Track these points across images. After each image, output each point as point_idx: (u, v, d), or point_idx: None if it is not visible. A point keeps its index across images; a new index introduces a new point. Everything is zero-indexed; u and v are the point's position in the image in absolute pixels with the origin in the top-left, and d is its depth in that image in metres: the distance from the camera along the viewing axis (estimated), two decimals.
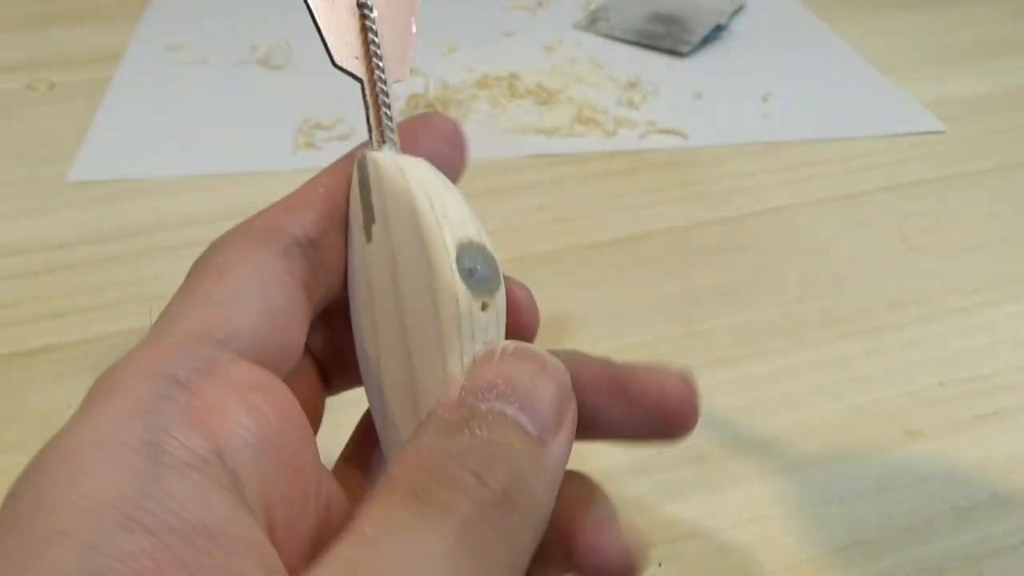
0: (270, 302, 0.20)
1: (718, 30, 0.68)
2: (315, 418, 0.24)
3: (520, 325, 0.24)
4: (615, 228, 0.48)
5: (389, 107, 0.24)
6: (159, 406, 0.17)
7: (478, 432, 0.19)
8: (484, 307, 0.21)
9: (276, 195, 0.22)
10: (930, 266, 0.46)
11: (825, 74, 0.65)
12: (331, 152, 0.55)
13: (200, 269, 0.21)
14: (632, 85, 0.62)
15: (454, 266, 0.21)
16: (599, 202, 0.50)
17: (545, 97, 0.60)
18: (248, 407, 0.18)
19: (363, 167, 0.23)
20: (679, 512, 0.33)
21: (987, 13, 0.73)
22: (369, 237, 0.22)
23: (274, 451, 0.18)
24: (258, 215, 0.22)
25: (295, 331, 0.21)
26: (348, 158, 0.24)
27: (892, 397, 0.39)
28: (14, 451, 0.35)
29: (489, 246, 0.22)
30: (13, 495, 0.16)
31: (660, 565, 0.32)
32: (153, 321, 0.20)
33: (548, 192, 0.51)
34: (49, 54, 0.65)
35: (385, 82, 0.24)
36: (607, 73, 0.64)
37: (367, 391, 0.24)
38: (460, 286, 0.21)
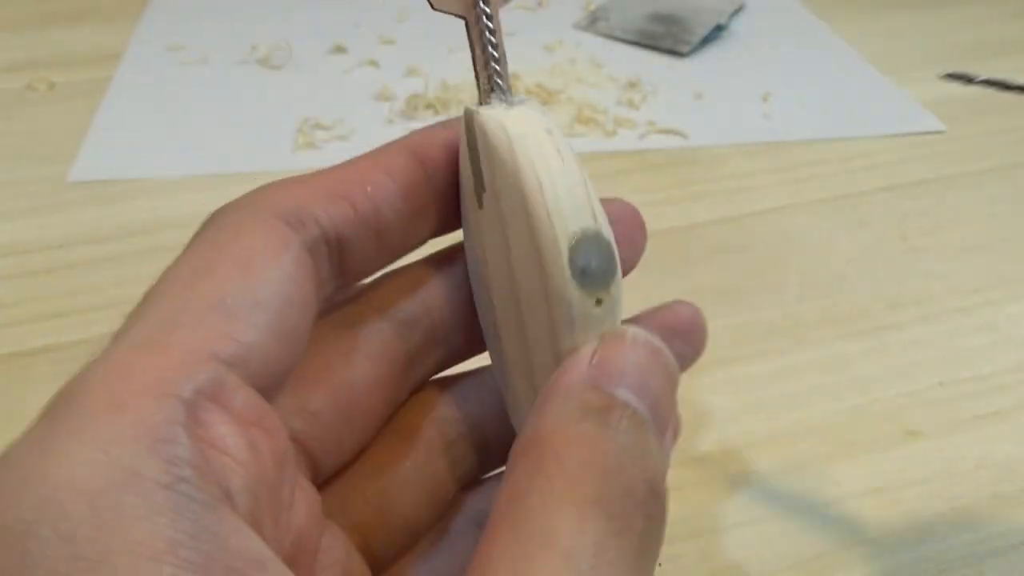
0: (286, 320, 0.18)
1: (718, 30, 0.68)
2: (395, 396, 0.23)
3: (630, 242, 0.23)
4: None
5: (496, 47, 0.21)
6: (173, 434, 0.15)
7: (625, 429, 0.18)
8: (599, 302, 0.20)
9: None
10: (930, 266, 0.46)
11: (825, 74, 0.65)
12: (331, 152, 0.55)
13: (219, 246, 0.19)
14: (632, 85, 0.62)
15: (566, 270, 0.19)
16: None
17: (545, 97, 0.60)
18: (249, 446, 0.17)
19: (470, 125, 0.20)
20: (679, 512, 0.33)
21: (987, 13, 0.73)
22: (480, 203, 0.21)
23: (262, 498, 0.17)
24: (289, 185, 0.20)
25: (299, 351, 0.19)
26: (415, 134, 0.21)
27: (892, 397, 0.39)
28: None
29: (604, 228, 0.20)
30: (27, 534, 0.14)
31: (660, 565, 0.32)
32: (147, 292, 0.18)
33: None
34: (49, 54, 0.65)
35: (491, 17, 0.21)
36: (607, 73, 0.64)
37: (488, 344, 0.23)
38: (572, 288, 0.19)
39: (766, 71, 0.64)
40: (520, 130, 0.20)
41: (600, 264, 0.20)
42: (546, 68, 0.64)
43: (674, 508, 0.34)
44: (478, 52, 0.21)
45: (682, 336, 0.23)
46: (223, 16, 0.71)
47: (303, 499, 0.19)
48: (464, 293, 0.23)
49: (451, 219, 0.22)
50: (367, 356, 0.22)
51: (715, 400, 0.38)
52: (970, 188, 0.53)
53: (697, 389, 0.39)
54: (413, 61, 0.64)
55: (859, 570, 0.32)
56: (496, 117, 0.20)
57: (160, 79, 0.62)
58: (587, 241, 0.20)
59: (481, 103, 0.21)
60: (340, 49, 0.65)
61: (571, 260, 0.19)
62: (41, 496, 0.14)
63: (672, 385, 0.20)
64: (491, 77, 0.21)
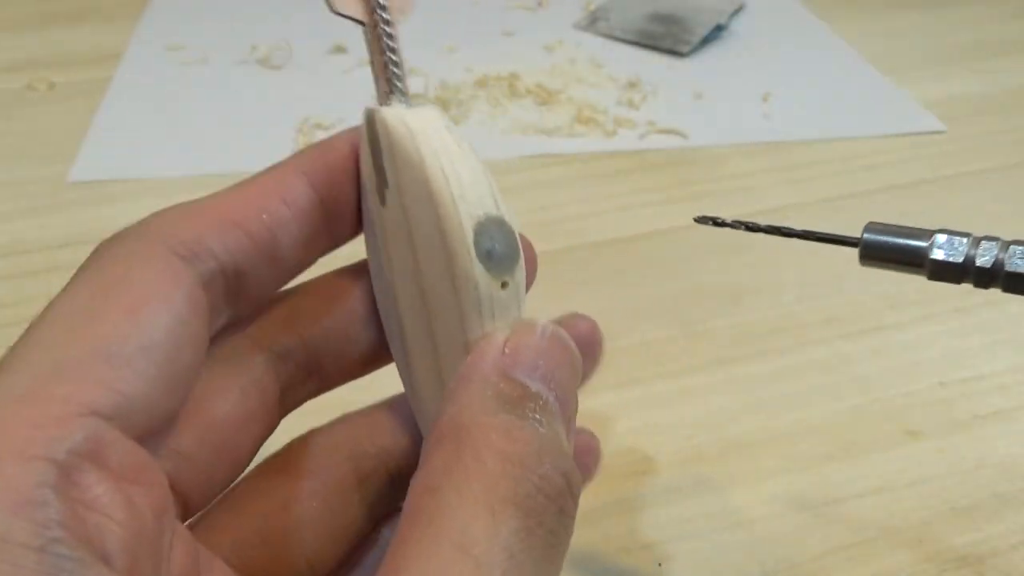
0: (175, 364, 0.18)
1: (718, 30, 0.68)
2: (267, 429, 0.22)
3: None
4: (615, 228, 0.48)
5: (395, 51, 0.22)
6: (42, 496, 0.15)
7: (540, 420, 0.18)
8: (504, 285, 0.20)
9: None
10: None
11: (825, 74, 0.65)
12: None
13: (106, 285, 0.18)
14: (632, 85, 0.62)
15: (472, 251, 0.20)
16: (599, 202, 0.50)
17: (545, 97, 0.60)
18: (126, 503, 0.16)
19: (372, 124, 0.21)
20: (679, 512, 0.33)
21: (987, 13, 0.73)
22: (383, 200, 0.21)
23: (140, 556, 0.17)
24: (183, 213, 0.20)
25: (186, 393, 0.19)
26: (308, 154, 0.22)
27: (892, 397, 0.39)
28: None
29: (507, 216, 0.21)
30: None
31: (660, 565, 0.32)
32: (28, 328, 0.17)
33: (548, 192, 0.51)
34: (49, 54, 0.65)
35: (388, 23, 0.22)
36: (607, 73, 0.64)
37: (391, 345, 0.23)
38: (479, 270, 0.20)
39: (766, 71, 0.64)
40: (421, 125, 0.21)
41: (504, 248, 0.20)
42: (546, 68, 0.64)
43: (674, 508, 0.34)
44: (377, 56, 0.22)
45: (581, 350, 0.23)
46: (223, 16, 0.71)
47: (180, 544, 0.19)
48: (342, 319, 0.23)
49: (346, 234, 0.22)
50: (240, 391, 0.21)
51: (715, 400, 0.38)
52: (970, 188, 0.53)
53: (697, 389, 0.39)
54: (413, 61, 0.64)
55: (859, 570, 0.32)
56: (397, 114, 0.21)
57: (160, 79, 0.62)
58: (491, 225, 0.20)
59: (381, 104, 0.22)
60: (340, 49, 0.65)
61: (476, 243, 0.20)
62: None
63: (577, 379, 0.20)
64: (390, 80, 0.22)
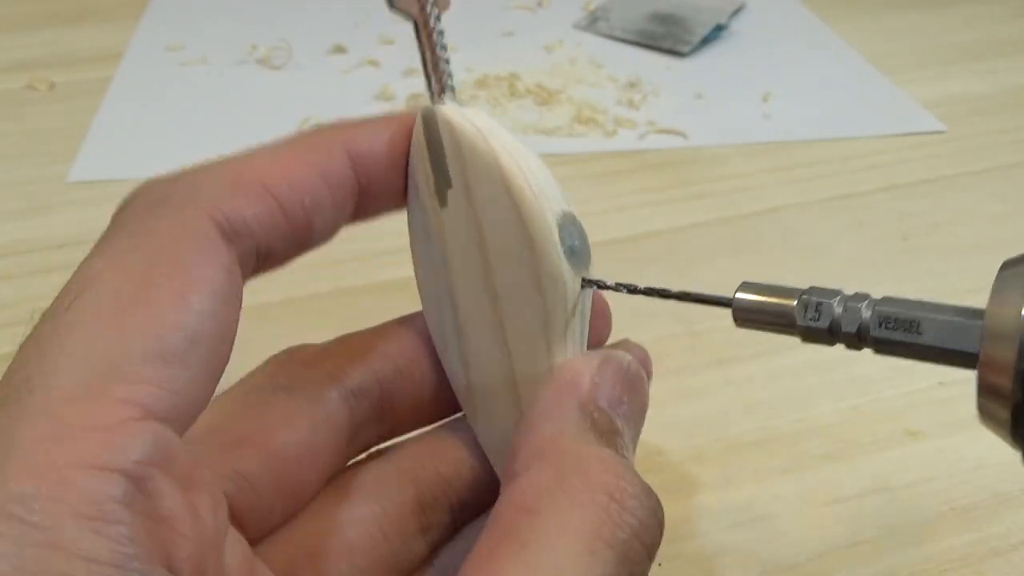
0: (216, 355, 0.17)
1: (718, 30, 0.68)
2: (332, 467, 0.22)
3: (596, 334, 0.23)
4: (615, 228, 0.48)
5: (445, 48, 0.21)
6: (117, 513, 0.14)
7: (627, 458, 0.18)
8: (583, 283, 0.20)
9: None
10: (930, 266, 0.46)
11: (825, 74, 0.65)
12: None
13: (155, 260, 0.17)
14: (632, 85, 0.62)
15: (559, 248, 0.19)
16: (599, 202, 0.50)
17: (545, 97, 0.60)
18: (191, 513, 0.16)
19: (431, 124, 0.21)
20: (679, 512, 0.33)
21: (987, 13, 0.73)
22: (443, 201, 0.20)
23: (204, 565, 0.16)
24: (226, 179, 0.19)
25: (216, 384, 0.18)
26: (354, 133, 0.21)
27: (892, 397, 0.39)
28: None
29: (575, 211, 0.20)
30: None
31: (660, 565, 0.32)
32: (70, 294, 0.16)
33: None
34: (49, 54, 0.65)
35: (439, 19, 0.21)
36: (607, 73, 0.64)
37: (442, 355, 0.22)
38: (565, 267, 0.19)
39: (766, 71, 0.64)
40: (486, 123, 0.20)
41: (581, 244, 0.20)
42: (546, 68, 0.64)
43: (674, 508, 0.34)
44: (429, 54, 0.21)
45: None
46: (223, 16, 0.71)
47: (234, 546, 0.18)
48: (417, 365, 0.23)
49: (362, 216, 0.22)
50: (311, 424, 0.21)
51: (715, 400, 0.38)
52: (970, 188, 0.53)
53: (697, 389, 0.39)
54: (413, 61, 0.63)
55: (859, 570, 0.32)
56: (460, 113, 0.20)
57: (160, 79, 0.62)
58: (569, 222, 0.20)
59: (434, 103, 0.21)
60: (340, 49, 0.65)
61: (561, 239, 0.20)
62: None
63: (644, 417, 0.20)
64: (442, 78, 0.21)
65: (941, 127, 0.58)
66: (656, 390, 0.39)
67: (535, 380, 0.20)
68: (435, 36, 0.21)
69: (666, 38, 0.67)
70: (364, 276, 0.44)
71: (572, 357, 0.20)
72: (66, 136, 0.55)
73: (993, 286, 0.18)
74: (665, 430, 0.37)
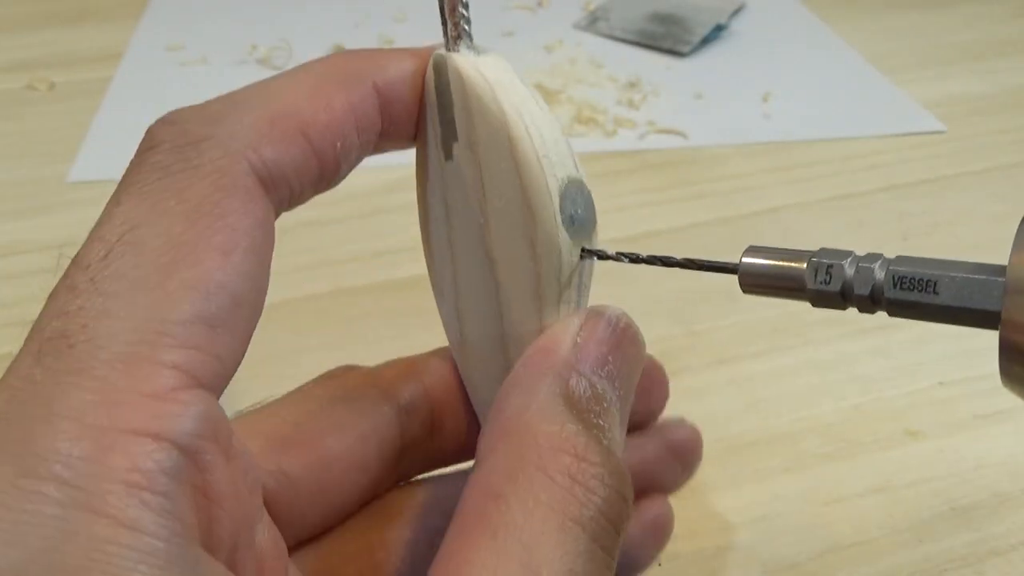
0: (254, 317, 0.17)
1: (718, 30, 0.68)
2: (377, 484, 0.22)
3: (649, 407, 0.24)
4: (615, 228, 0.48)
5: None
6: (164, 486, 0.14)
7: (602, 426, 0.18)
8: (583, 252, 0.19)
9: None
10: None
11: (825, 74, 0.65)
12: None
13: (194, 207, 0.16)
14: (632, 85, 0.62)
15: (558, 217, 0.19)
16: (599, 202, 0.50)
17: (545, 97, 0.60)
18: (233, 488, 0.16)
19: (441, 71, 0.19)
20: (679, 512, 0.33)
21: (987, 13, 0.73)
22: (448, 154, 0.20)
23: (240, 543, 0.16)
24: (267, 118, 0.17)
25: (247, 345, 0.17)
26: (379, 81, 0.19)
27: (892, 397, 0.39)
28: None
29: (584, 176, 0.19)
30: None
31: (660, 565, 0.32)
32: (65, 265, 0.16)
33: None
34: (49, 54, 0.65)
35: None
36: (607, 73, 0.64)
37: (440, 308, 0.22)
38: (563, 236, 0.19)
39: (766, 71, 0.64)
40: (498, 76, 0.19)
41: (584, 212, 0.19)
42: (546, 68, 0.64)
43: (674, 508, 0.34)
44: None
45: (679, 458, 0.24)
46: (223, 16, 0.71)
47: (265, 529, 0.18)
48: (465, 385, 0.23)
49: (379, 149, 0.21)
50: (361, 434, 0.21)
51: (715, 400, 0.38)
52: (970, 188, 0.53)
53: (697, 389, 0.39)
54: None
55: (859, 570, 0.32)
56: (472, 63, 0.19)
57: (160, 79, 0.62)
58: (573, 188, 0.19)
59: (449, 49, 0.20)
60: (340, 49, 0.65)
61: (562, 207, 0.19)
62: (43, 553, 0.13)
63: (639, 374, 0.20)
64: (458, 23, 0.20)
65: (941, 127, 0.58)
66: None
67: (524, 345, 0.19)
68: None
69: (666, 38, 0.67)
70: (364, 276, 0.44)
71: None
72: (66, 136, 0.56)
73: (1015, 241, 0.17)
74: None
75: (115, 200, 0.16)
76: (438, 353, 0.24)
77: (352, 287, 0.43)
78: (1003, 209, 0.51)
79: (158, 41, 0.67)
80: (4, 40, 0.67)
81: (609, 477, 0.17)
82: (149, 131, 0.17)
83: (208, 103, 0.18)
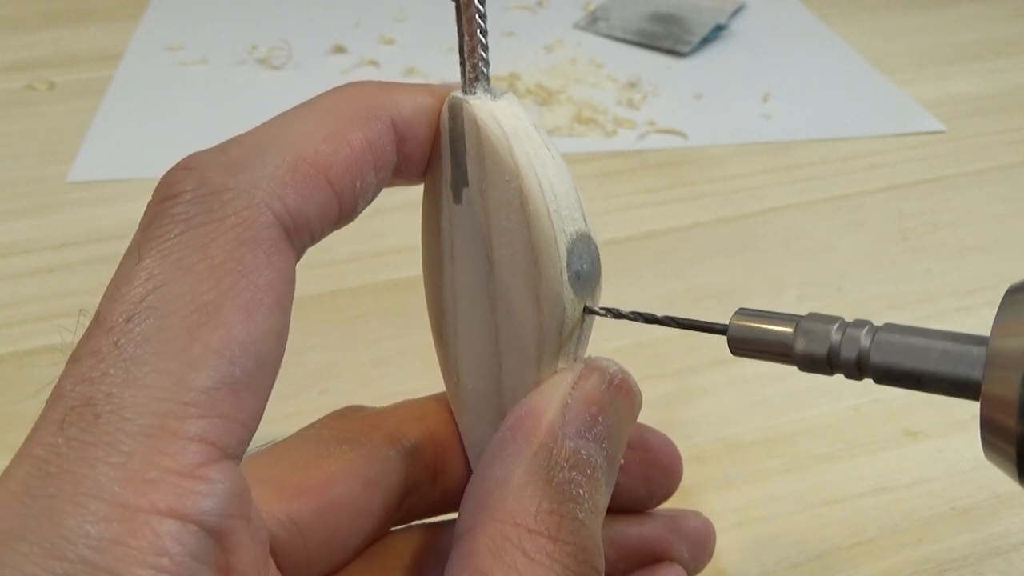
0: (274, 374, 0.16)
1: (718, 30, 0.68)
2: (382, 527, 0.22)
3: (661, 487, 0.24)
4: (615, 228, 0.48)
5: (485, 34, 0.20)
6: (190, 569, 0.14)
7: (583, 496, 0.18)
8: (585, 308, 0.19)
9: None
10: (930, 266, 0.46)
11: (825, 74, 0.65)
12: None
13: (217, 263, 0.15)
14: (632, 85, 0.62)
15: (564, 273, 0.19)
16: (599, 202, 0.50)
17: (545, 97, 0.60)
18: (254, 556, 0.16)
19: (457, 115, 0.19)
20: None
21: (987, 13, 0.73)
22: (457, 197, 0.20)
23: None
24: (290, 164, 0.17)
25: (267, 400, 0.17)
26: (397, 120, 0.19)
27: (892, 397, 0.39)
28: (14, 451, 0.35)
29: (592, 230, 0.19)
30: None
31: None
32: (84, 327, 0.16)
33: None
34: (49, 54, 0.65)
35: (483, 3, 0.20)
36: (607, 73, 0.64)
37: (437, 345, 0.22)
38: (568, 292, 0.19)
39: (766, 71, 0.64)
40: (513, 125, 0.19)
41: (590, 268, 0.19)
42: (546, 68, 0.64)
43: (674, 508, 0.34)
44: (467, 38, 0.20)
45: (690, 549, 0.24)
46: (223, 16, 0.71)
47: None
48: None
49: (391, 184, 0.21)
50: (368, 480, 0.21)
51: (715, 400, 0.38)
52: (970, 188, 0.53)
53: (697, 389, 0.39)
54: (413, 61, 0.64)
55: (859, 570, 0.32)
56: (487, 109, 0.19)
57: (160, 79, 0.62)
58: (581, 243, 0.19)
59: (465, 91, 0.20)
60: (340, 49, 0.65)
61: (568, 263, 0.19)
62: None
63: (631, 425, 0.20)
64: (477, 65, 0.20)
65: (941, 127, 0.58)
66: (656, 390, 0.39)
67: (519, 396, 0.19)
68: (475, 19, 0.20)
69: (666, 38, 0.67)
70: (364, 276, 0.44)
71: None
72: (66, 136, 0.56)
73: (996, 314, 0.17)
74: (665, 430, 0.37)
75: (136, 254, 0.16)
76: (440, 397, 0.24)
77: (352, 287, 0.43)
78: (1003, 209, 0.51)
79: (158, 41, 0.67)
80: (4, 40, 0.67)
81: (581, 553, 0.18)
82: (167, 178, 0.17)
83: (227, 147, 0.17)
